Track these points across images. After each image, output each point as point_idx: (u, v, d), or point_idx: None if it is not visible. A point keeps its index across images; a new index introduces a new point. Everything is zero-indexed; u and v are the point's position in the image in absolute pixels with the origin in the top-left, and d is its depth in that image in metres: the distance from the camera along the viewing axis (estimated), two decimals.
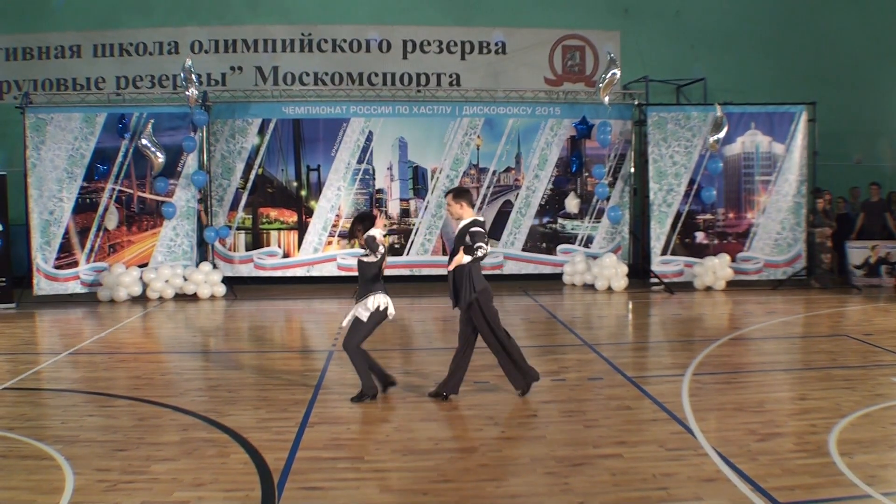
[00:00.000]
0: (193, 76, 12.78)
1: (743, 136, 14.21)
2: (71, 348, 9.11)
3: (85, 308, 12.39)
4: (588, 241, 14.65)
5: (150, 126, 13.00)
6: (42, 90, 15.46)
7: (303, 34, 15.93)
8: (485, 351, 6.77)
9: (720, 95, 14.74)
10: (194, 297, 13.31)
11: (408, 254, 14.47)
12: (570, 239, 14.67)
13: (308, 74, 15.98)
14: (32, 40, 15.64)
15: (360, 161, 14.32)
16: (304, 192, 14.35)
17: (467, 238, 6.37)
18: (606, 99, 13.32)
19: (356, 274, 6.81)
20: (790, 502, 4.43)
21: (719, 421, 6.00)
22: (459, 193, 6.67)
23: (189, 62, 12.82)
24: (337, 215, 14.29)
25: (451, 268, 6.34)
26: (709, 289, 13.72)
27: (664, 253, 14.11)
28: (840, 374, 7.44)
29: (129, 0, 15.59)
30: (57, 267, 13.19)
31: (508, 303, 12.43)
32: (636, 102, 14.61)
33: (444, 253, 13.95)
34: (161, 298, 13.23)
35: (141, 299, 13.17)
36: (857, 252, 13.92)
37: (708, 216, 14.20)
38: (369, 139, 14.29)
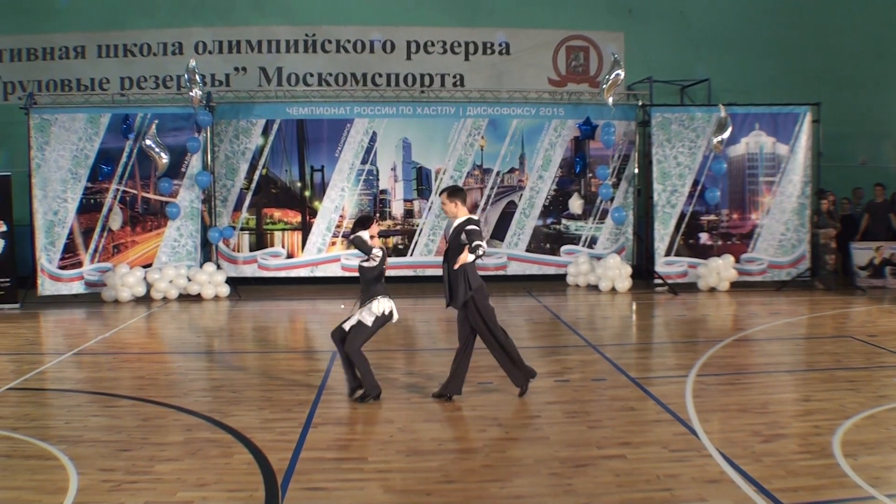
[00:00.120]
0: (197, 77, 12.79)
1: (747, 137, 14.19)
2: (75, 348, 9.13)
3: (89, 308, 12.41)
4: (592, 242, 14.64)
5: (154, 127, 13.03)
6: (46, 91, 15.50)
7: (307, 35, 15.95)
8: (487, 351, 6.76)
9: (724, 96, 14.73)
10: (198, 298, 13.33)
11: (411, 254, 14.48)
12: (574, 240, 14.66)
13: (312, 75, 16.00)
14: (37, 41, 15.69)
15: (363, 162, 14.33)
16: (307, 193, 14.36)
17: (463, 236, 6.36)
18: (610, 100, 13.30)
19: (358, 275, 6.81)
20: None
21: (723, 422, 5.98)
22: (454, 192, 6.64)
23: (193, 63, 12.83)
24: (341, 216, 14.30)
25: (456, 267, 6.32)
26: (713, 290, 13.70)
27: (668, 254, 14.09)
28: (844, 376, 7.43)
29: (133, 1, 15.64)
30: (61, 267, 13.22)
31: (512, 303, 12.42)
32: (640, 103, 14.60)
33: None
34: (165, 299, 13.25)
35: (145, 300, 13.19)
36: (862, 253, 13.88)
37: (712, 217, 14.18)
38: (373, 140, 14.30)
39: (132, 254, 13.52)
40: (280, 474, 4.94)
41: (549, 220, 14.63)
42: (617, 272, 13.72)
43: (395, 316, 6.66)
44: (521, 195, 14.55)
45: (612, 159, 14.42)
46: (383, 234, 14.35)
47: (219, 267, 13.69)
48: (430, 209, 14.40)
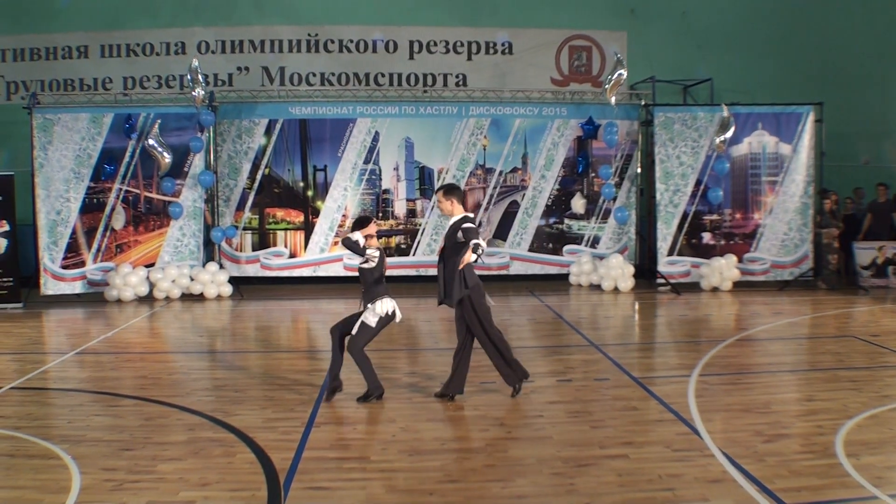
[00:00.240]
0: (200, 76, 12.80)
1: (750, 137, 14.18)
2: (78, 348, 9.14)
3: (92, 308, 12.43)
4: (594, 242, 14.63)
5: (156, 126, 13.05)
6: (49, 91, 15.53)
7: (309, 35, 15.96)
8: None
9: (727, 96, 14.72)
10: (201, 297, 13.34)
11: (414, 254, 14.48)
12: (577, 239, 14.66)
13: (314, 75, 16.01)
14: (40, 41, 15.72)
15: (366, 161, 14.34)
16: (310, 193, 14.37)
17: (459, 234, 6.35)
18: (613, 99, 13.30)
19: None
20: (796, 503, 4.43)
21: (726, 422, 5.98)
22: (450, 190, 6.61)
23: (196, 63, 12.84)
24: (343, 215, 14.30)
25: (461, 267, 6.30)
26: (715, 289, 13.69)
27: (671, 253, 14.08)
28: (847, 376, 7.42)
29: (136, 1, 15.66)
30: (64, 267, 13.25)
31: (515, 303, 12.43)
32: (643, 103, 14.60)
33: None
34: (168, 298, 13.27)
35: (148, 299, 13.21)
36: (865, 253, 13.87)
37: (714, 217, 14.17)
38: (376, 139, 14.31)
39: (135, 253, 13.53)
40: (282, 474, 4.95)
41: (551, 220, 14.63)
42: (619, 272, 13.71)
43: (398, 316, 6.66)
44: (524, 195, 14.55)
45: (615, 159, 14.42)
46: (385, 234, 14.36)
47: (221, 266, 13.71)
48: (432, 209, 14.39)
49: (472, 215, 6.59)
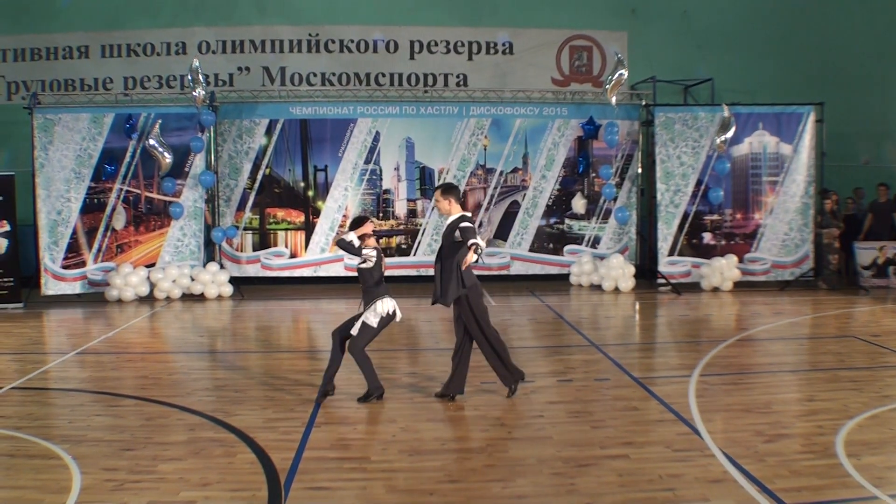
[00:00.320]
0: (201, 77, 12.80)
1: (750, 137, 14.18)
2: (78, 348, 9.14)
3: (92, 308, 12.43)
4: (595, 242, 14.63)
5: (157, 126, 13.05)
6: (50, 91, 15.53)
7: (310, 35, 15.96)
8: None
9: (727, 96, 14.71)
10: (201, 297, 13.34)
11: (415, 254, 14.48)
12: (577, 239, 14.66)
13: (315, 75, 16.01)
14: (40, 41, 15.72)
15: (367, 161, 14.34)
16: (311, 193, 14.38)
17: (457, 233, 6.33)
18: (614, 99, 13.30)
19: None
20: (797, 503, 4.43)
21: (726, 422, 5.98)
22: (447, 189, 6.59)
23: (196, 63, 12.85)
24: (344, 216, 14.30)
25: (464, 268, 6.29)
26: (716, 290, 13.68)
27: (671, 254, 14.08)
28: (847, 376, 7.42)
29: (136, 1, 15.66)
30: (65, 267, 13.25)
31: (515, 303, 12.43)
32: (643, 103, 14.59)
33: None
34: (168, 298, 13.27)
35: (148, 299, 13.21)
36: (865, 253, 13.86)
37: (715, 217, 14.16)
38: (376, 139, 14.31)
39: (135, 253, 13.54)
40: (283, 474, 4.95)
41: (552, 220, 14.62)
42: (620, 272, 13.71)
43: (399, 315, 6.66)
44: (525, 195, 14.55)
45: (616, 159, 14.42)
46: (386, 234, 14.36)
47: (222, 266, 13.71)
48: (432, 209, 14.38)
49: (469, 214, 6.58)
